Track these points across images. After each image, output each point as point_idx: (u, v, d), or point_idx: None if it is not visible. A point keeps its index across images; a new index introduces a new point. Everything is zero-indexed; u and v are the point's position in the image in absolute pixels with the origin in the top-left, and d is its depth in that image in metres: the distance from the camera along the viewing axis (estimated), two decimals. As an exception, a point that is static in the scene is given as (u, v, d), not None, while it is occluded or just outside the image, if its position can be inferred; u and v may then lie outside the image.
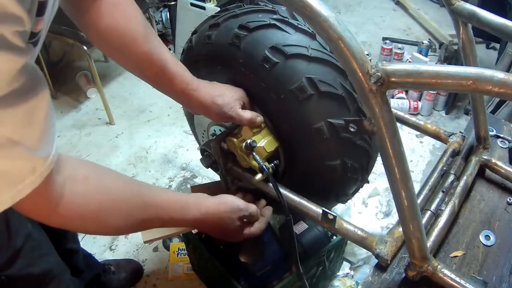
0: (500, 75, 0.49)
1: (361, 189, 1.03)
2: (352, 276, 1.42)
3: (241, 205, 0.83)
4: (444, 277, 0.71)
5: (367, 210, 1.54)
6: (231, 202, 0.82)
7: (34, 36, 0.44)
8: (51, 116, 0.49)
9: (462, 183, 0.90)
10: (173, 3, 2.23)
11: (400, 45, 2.46)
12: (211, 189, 1.09)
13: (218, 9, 1.92)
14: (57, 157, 0.52)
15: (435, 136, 1.08)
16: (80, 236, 1.55)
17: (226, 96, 0.86)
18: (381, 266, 0.78)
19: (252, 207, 0.86)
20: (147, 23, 0.79)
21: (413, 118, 1.10)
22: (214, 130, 1.02)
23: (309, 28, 0.85)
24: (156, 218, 0.73)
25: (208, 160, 0.97)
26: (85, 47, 1.88)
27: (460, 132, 1.05)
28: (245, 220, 0.85)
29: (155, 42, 0.80)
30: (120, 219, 0.66)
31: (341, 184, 0.93)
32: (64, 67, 2.47)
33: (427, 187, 0.91)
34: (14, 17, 0.37)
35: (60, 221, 0.59)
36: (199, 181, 1.81)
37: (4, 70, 0.39)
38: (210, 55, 0.94)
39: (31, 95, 0.44)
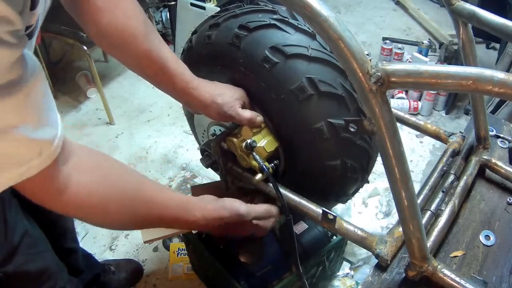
0: (500, 75, 0.49)
1: (361, 189, 1.03)
2: (352, 276, 1.43)
3: (242, 211, 0.82)
4: (444, 277, 0.71)
5: (367, 210, 1.54)
6: (231, 208, 0.81)
7: (28, 28, 0.47)
8: (50, 100, 0.52)
9: (462, 183, 0.90)
10: (173, 3, 2.23)
11: (400, 45, 2.46)
12: (211, 189, 1.08)
13: (218, 9, 1.92)
14: (63, 139, 0.53)
15: (435, 136, 1.08)
16: (80, 236, 1.55)
17: (226, 95, 0.86)
18: (381, 266, 0.78)
19: (254, 212, 0.84)
20: (148, 21, 0.79)
21: (413, 118, 1.10)
22: (214, 130, 1.02)
23: (309, 28, 0.85)
24: (159, 217, 0.72)
25: (208, 160, 0.97)
26: (85, 47, 1.88)
27: (460, 132, 1.05)
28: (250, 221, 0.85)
29: (156, 41, 0.80)
30: (124, 213, 0.66)
31: (341, 184, 0.93)
32: (64, 67, 2.47)
33: (427, 187, 0.91)
34: (7, 20, 0.41)
35: (63, 209, 0.60)
36: (199, 181, 1.81)
37: (1, 64, 0.43)
38: (210, 55, 0.94)
39: (28, 82, 0.47)
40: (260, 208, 0.87)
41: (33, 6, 0.45)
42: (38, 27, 0.52)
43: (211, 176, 1.75)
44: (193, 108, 0.91)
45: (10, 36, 0.42)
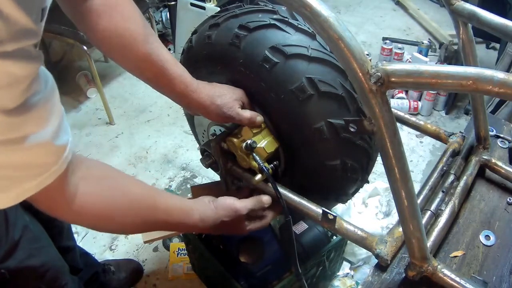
0: (500, 75, 0.49)
1: (361, 189, 1.03)
2: (352, 276, 1.43)
3: (238, 206, 0.83)
4: (444, 277, 0.71)
5: (367, 210, 1.55)
6: (227, 206, 0.83)
7: None
8: (61, 106, 0.53)
9: (462, 183, 0.90)
10: (173, 3, 2.23)
11: (400, 45, 2.47)
12: (211, 189, 1.09)
13: (218, 9, 1.92)
14: (73, 143, 0.55)
15: (435, 136, 1.08)
16: (80, 236, 1.55)
17: (225, 96, 0.86)
18: (381, 266, 0.78)
19: (249, 204, 0.86)
20: (146, 23, 0.79)
21: (413, 118, 1.10)
22: (214, 130, 1.02)
23: (309, 28, 0.85)
24: (163, 221, 0.75)
25: (208, 160, 0.97)
26: (85, 47, 1.89)
27: (460, 132, 1.05)
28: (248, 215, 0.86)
29: (155, 43, 0.80)
30: (129, 220, 0.69)
31: (341, 184, 0.93)
32: (64, 67, 2.47)
33: (427, 187, 0.91)
34: (30, 32, 0.41)
35: (75, 218, 0.62)
36: (199, 181, 1.81)
37: (30, 75, 0.44)
38: (210, 55, 0.94)
39: (46, 90, 0.48)
40: (252, 200, 0.87)
41: (42, 17, 0.46)
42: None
43: (211, 176, 1.76)
44: (193, 110, 0.91)
45: (33, 48, 0.43)
